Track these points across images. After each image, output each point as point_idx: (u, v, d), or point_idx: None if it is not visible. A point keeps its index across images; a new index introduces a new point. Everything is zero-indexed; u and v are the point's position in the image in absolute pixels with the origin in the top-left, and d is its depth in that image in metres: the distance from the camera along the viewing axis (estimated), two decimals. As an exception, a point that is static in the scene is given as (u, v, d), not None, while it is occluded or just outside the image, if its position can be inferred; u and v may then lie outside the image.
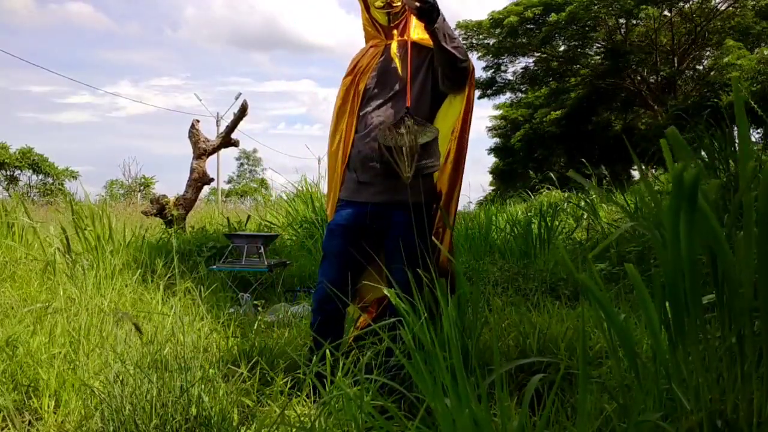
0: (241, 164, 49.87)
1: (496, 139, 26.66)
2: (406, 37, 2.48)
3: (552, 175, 9.92)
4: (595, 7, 18.63)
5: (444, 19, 2.28)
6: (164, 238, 5.61)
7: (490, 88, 23.83)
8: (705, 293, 1.30)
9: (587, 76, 22.06)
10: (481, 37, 21.72)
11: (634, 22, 20.54)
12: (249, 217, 6.72)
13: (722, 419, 1.19)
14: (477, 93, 20.69)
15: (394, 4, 2.44)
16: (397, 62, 2.44)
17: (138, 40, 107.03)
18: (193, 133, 7.10)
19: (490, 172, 27.07)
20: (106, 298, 2.98)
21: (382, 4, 2.44)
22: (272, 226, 6.93)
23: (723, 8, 19.24)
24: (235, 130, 7.33)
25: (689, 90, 20.08)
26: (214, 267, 4.45)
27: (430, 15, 2.21)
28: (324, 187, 6.81)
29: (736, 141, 3.17)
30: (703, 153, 3.17)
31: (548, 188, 9.51)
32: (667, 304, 1.23)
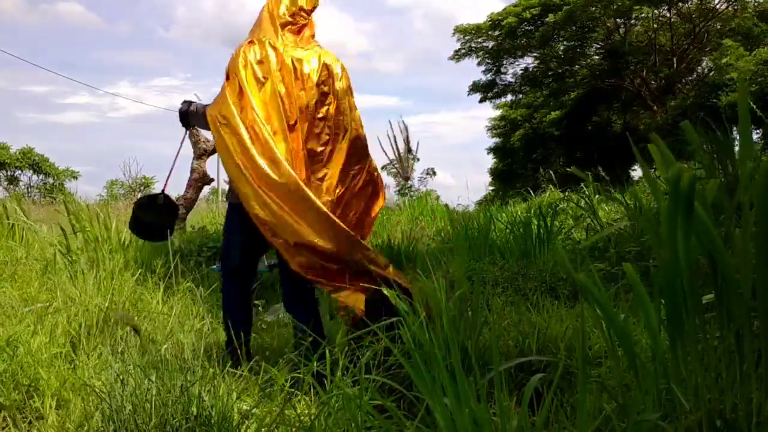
0: (241, 164, 49.79)
1: (496, 139, 26.64)
2: None
3: (549, 176, 9.93)
4: (593, 8, 18.62)
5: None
6: (164, 238, 5.60)
7: (491, 90, 23.82)
8: (704, 293, 1.30)
9: (586, 76, 22.05)
10: (479, 40, 21.71)
11: (633, 22, 20.53)
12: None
13: (721, 419, 1.20)
14: (478, 96, 20.14)
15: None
16: None
17: (132, 40, 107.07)
18: (194, 134, 7.09)
19: (490, 173, 27.04)
20: (106, 298, 2.98)
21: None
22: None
23: (722, 8, 19.24)
24: (235, 131, 7.32)
25: (688, 90, 20.07)
26: (215, 267, 4.45)
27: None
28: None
29: (736, 141, 3.17)
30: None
31: (550, 187, 9.50)
32: (664, 304, 1.23)
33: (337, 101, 2.62)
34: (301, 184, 2.43)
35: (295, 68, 2.55)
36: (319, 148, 2.59)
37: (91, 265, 3.63)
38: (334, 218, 2.46)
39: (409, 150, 18.36)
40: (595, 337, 2.25)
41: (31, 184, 30.17)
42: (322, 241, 2.46)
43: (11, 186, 28.39)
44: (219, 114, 2.53)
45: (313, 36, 2.75)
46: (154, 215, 2.98)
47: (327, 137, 2.61)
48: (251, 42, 2.59)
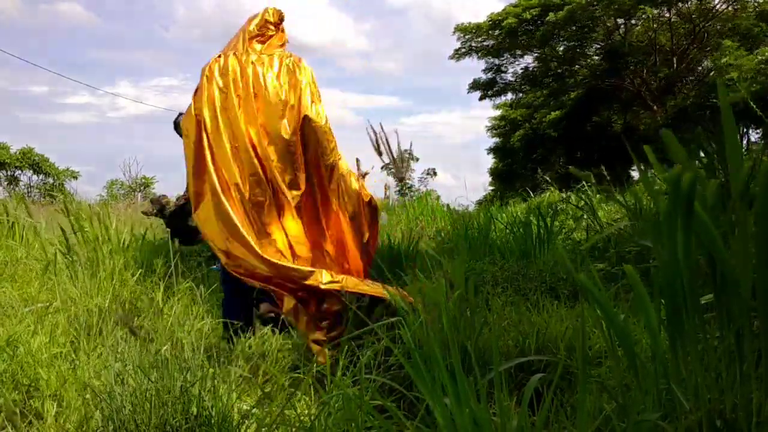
0: (241, 164, 49.71)
1: (496, 139, 26.64)
2: None
3: (548, 177, 9.92)
4: (593, 7, 18.62)
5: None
6: (164, 238, 5.60)
7: (491, 89, 23.82)
8: (704, 293, 1.30)
9: (586, 76, 22.05)
10: (479, 39, 21.70)
11: (633, 22, 20.52)
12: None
13: (721, 419, 1.20)
14: (478, 96, 20.12)
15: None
16: None
17: (132, 40, 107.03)
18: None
19: (490, 173, 27.03)
20: (106, 298, 2.98)
21: None
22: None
23: (722, 9, 19.23)
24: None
25: (689, 90, 20.06)
26: (215, 267, 4.45)
27: None
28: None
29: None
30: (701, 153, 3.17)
31: (550, 188, 9.49)
32: (664, 304, 1.23)
33: (300, 92, 2.87)
34: (218, 190, 2.69)
35: (256, 72, 2.85)
36: (291, 139, 2.83)
37: (91, 265, 3.63)
38: (244, 232, 2.68)
39: (380, 153, 18.43)
40: (595, 337, 2.25)
41: (31, 184, 30.15)
42: (233, 249, 2.70)
43: (11, 186, 28.37)
44: (184, 126, 2.87)
45: (281, 45, 3.08)
46: (185, 221, 3.26)
47: (294, 127, 2.84)
48: (218, 56, 2.90)
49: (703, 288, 1.29)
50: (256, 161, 2.76)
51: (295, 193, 2.83)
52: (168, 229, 3.29)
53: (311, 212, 2.91)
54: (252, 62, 2.84)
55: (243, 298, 2.78)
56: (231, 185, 2.72)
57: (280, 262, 2.70)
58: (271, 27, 3.04)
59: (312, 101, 2.87)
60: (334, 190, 2.90)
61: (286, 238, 2.80)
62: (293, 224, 2.83)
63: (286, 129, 2.80)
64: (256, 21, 3.01)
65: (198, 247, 5.19)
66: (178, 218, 3.27)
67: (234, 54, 2.87)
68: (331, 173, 2.91)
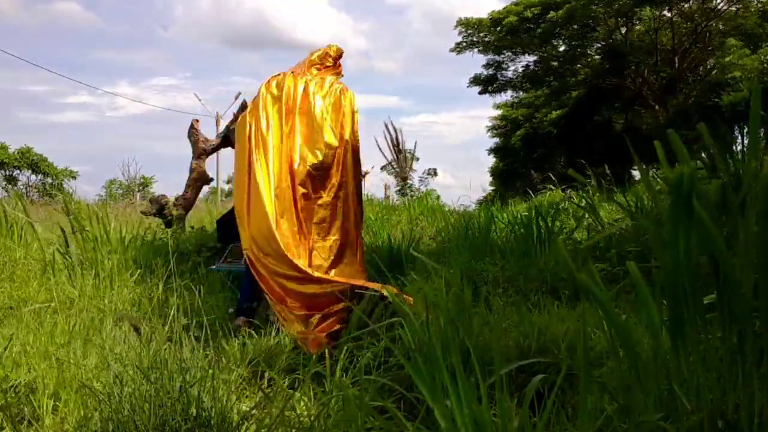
0: (241, 164, 49.63)
1: (496, 139, 26.63)
2: None
3: (551, 175, 9.89)
4: (594, 6, 18.59)
5: None
6: (163, 238, 5.59)
7: (492, 84, 23.78)
8: (706, 293, 1.29)
9: (588, 75, 22.02)
10: (481, 35, 21.65)
11: (634, 21, 20.50)
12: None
13: (723, 419, 1.19)
14: (478, 96, 19.96)
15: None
16: None
17: (131, 40, 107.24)
18: (193, 133, 7.08)
19: (491, 173, 27.02)
20: (105, 298, 2.98)
21: None
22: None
23: (724, 8, 19.21)
24: (235, 130, 7.31)
25: (690, 90, 20.03)
26: (214, 267, 4.44)
27: None
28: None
29: (737, 141, 3.15)
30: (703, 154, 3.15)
31: (550, 188, 9.46)
32: (665, 304, 1.23)
33: (343, 116, 3.29)
34: (258, 179, 3.00)
35: (308, 90, 3.29)
36: (328, 153, 3.20)
37: (90, 265, 3.62)
38: (273, 228, 2.95)
39: (399, 151, 18.36)
40: (597, 337, 2.24)
41: (30, 184, 30.12)
42: (258, 237, 2.95)
43: (10, 185, 28.33)
44: (237, 129, 3.32)
45: (337, 75, 3.54)
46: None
47: (332, 144, 3.22)
48: (279, 74, 3.36)
49: (704, 288, 1.28)
50: (290, 166, 3.11)
51: (321, 201, 3.17)
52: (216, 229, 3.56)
53: (330, 220, 3.21)
54: (306, 81, 3.32)
55: (257, 287, 3.02)
56: (269, 183, 3.04)
57: (288, 255, 2.93)
58: (330, 59, 3.56)
59: (352, 126, 3.32)
60: (347, 204, 3.25)
61: (306, 238, 3.10)
62: (314, 227, 3.14)
63: (324, 144, 3.18)
64: (318, 53, 3.56)
65: (196, 247, 5.18)
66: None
67: (292, 73, 3.36)
68: (353, 189, 3.29)
